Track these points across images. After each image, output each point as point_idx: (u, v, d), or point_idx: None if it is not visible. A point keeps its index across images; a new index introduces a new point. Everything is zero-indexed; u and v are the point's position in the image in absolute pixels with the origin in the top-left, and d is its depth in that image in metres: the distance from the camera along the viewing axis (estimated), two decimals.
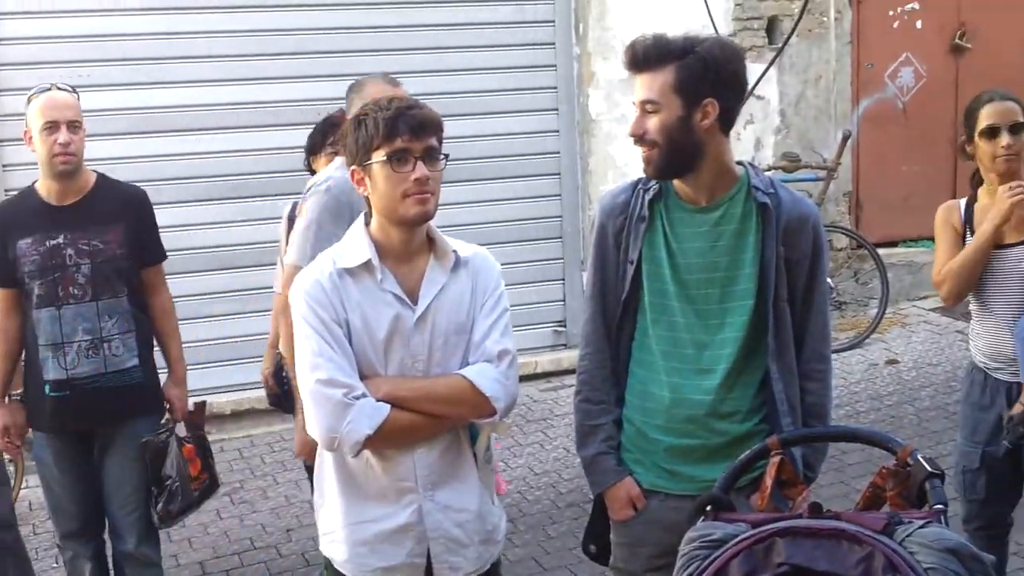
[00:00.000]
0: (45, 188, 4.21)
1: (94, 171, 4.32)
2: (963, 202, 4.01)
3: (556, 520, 5.69)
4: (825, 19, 8.72)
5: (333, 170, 4.20)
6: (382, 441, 2.83)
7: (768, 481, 2.62)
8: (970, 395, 4.07)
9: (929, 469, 2.45)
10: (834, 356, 7.69)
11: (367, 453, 2.88)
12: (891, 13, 9.01)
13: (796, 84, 8.71)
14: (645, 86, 2.85)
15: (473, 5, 7.76)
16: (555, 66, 8.02)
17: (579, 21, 8.01)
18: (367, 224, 2.95)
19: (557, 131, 8.06)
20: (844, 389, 7.28)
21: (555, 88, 8.01)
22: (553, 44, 8.02)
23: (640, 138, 2.87)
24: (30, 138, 4.17)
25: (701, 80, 2.81)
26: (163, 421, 4.42)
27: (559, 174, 8.10)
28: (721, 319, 2.96)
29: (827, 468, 5.71)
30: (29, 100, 4.19)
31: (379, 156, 2.81)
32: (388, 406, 2.82)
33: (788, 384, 2.99)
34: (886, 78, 9.09)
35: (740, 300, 2.94)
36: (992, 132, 3.82)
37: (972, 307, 4.05)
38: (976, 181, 4.02)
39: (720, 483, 2.65)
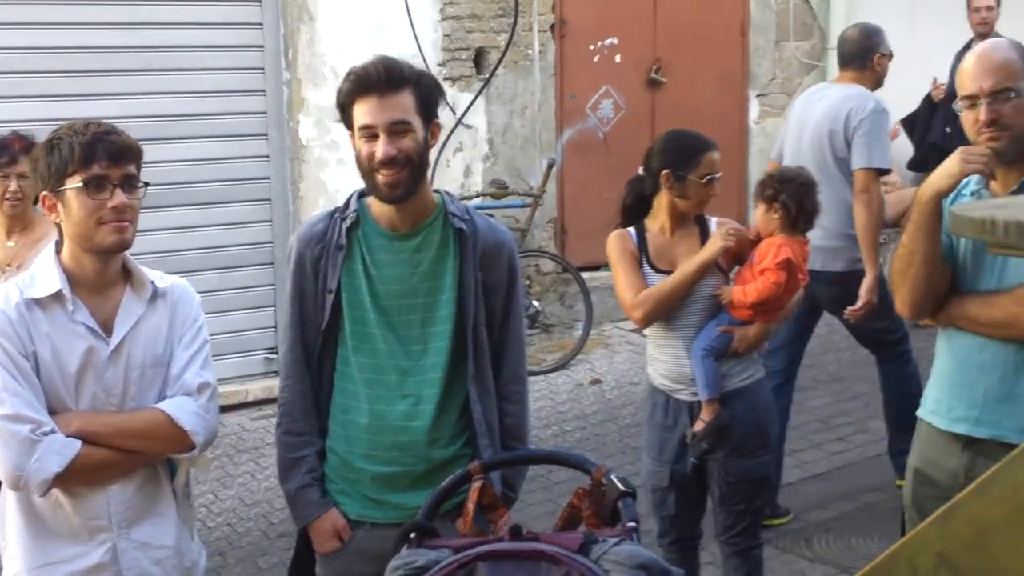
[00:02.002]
0: None
1: None
2: (632, 231, 4.14)
3: (267, 552, 5.58)
4: (530, 52, 8.98)
5: None
6: (73, 479, 2.72)
7: (470, 506, 2.67)
8: (653, 416, 4.24)
9: (622, 488, 2.56)
10: (542, 377, 7.98)
11: (56, 491, 2.75)
12: (591, 47, 9.36)
13: (503, 114, 8.93)
14: (391, 107, 2.86)
15: (181, 28, 7.55)
16: (264, 91, 7.91)
17: (288, 47, 7.93)
18: (58, 252, 2.83)
19: (267, 156, 7.95)
20: (551, 409, 7.49)
21: (264, 113, 7.90)
22: (262, 69, 7.90)
23: (393, 160, 2.85)
24: None
25: (433, 103, 2.93)
26: None
27: (269, 200, 7.98)
28: (423, 344, 2.99)
29: (535, 487, 5.88)
30: None
31: (74, 182, 2.72)
32: (79, 442, 2.71)
33: (487, 407, 3.06)
34: (588, 109, 9.43)
35: (440, 325, 2.99)
36: (712, 180, 4.00)
37: (649, 332, 4.22)
38: (636, 211, 4.16)
39: (423, 509, 2.68)
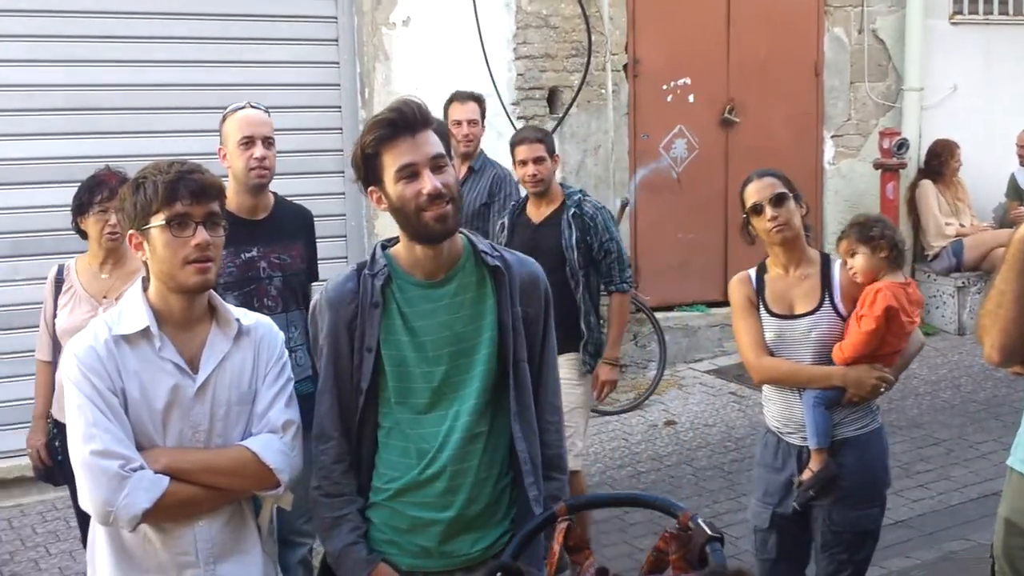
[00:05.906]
0: (235, 202, 4.31)
1: (271, 191, 4.55)
2: (754, 273, 4.12)
3: None
4: (603, 91, 8.99)
5: None
6: (161, 515, 2.74)
7: (556, 547, 2.64)
8: (763, 457, 4.17)
9: (709, 533, 2.51)
10: (616, 417, 7.92)
11: (145, 527, 2.77)
12: (665, 87, 9.35)
13: (577, 153, 8.94)
14: (428, 142, 2.83)
15: (261, 67, 7.67)
16: (341, 129, 8.01)
17: (365, 85, 8.02)
18: (145, 289, 2.86)
19: (343, 193, 8.03)
20: (626, 450, 7.43)
21: (341, 151, 7.98)
22: (339, 107, 8.01)
23: (440, 194, 2.79)
24: (224, 154, 4.46)
25: (448, 144, 2.96)
26: None
27: (345, 236, 8.06)
28: (469, 388, 2.92)
29: (610, 529, 5.84)
30: (225, 118, 4.49)
31: (158, 220, 2.75)
32: (167, 478, 2.73)
33: (530, 444, 2.99)
34: (661, 149, 9.41)
35: (481, 366, 2.92)
36: (757, 209, 3.98)
37: None
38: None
39: (510, 549, 2.66)
